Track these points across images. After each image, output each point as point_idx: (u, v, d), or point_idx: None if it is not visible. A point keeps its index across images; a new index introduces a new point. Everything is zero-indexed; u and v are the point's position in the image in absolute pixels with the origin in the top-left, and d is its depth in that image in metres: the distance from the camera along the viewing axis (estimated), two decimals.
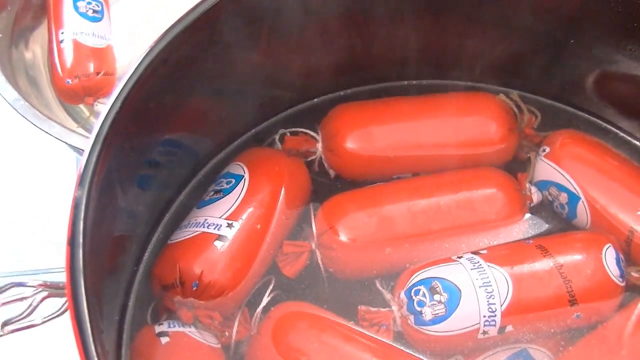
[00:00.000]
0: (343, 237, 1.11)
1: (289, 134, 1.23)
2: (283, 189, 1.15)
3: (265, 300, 1.08)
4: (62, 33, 1.41)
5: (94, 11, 1.46)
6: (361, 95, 1.27)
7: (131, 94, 0.93)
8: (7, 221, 1.48)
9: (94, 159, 0.88)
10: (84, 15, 1.44)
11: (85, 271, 0.83)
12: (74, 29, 1.41)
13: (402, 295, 1.06)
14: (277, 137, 1.23)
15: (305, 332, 1.03)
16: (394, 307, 1.06)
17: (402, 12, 1.14)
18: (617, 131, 1.25)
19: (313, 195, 1.19)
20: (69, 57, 1.38)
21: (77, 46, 1.40)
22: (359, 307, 1.06)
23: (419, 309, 1.03)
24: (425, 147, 1.20)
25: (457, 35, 1.20)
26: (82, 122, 1.39)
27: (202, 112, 1.14)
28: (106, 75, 1.39)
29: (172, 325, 1.05)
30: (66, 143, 1.24)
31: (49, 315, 0.95)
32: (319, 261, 1.12)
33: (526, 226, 1.16)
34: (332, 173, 1.23)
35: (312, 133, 1.23)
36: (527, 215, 1.17)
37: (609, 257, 1.08)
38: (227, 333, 1.06)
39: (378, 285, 1.09)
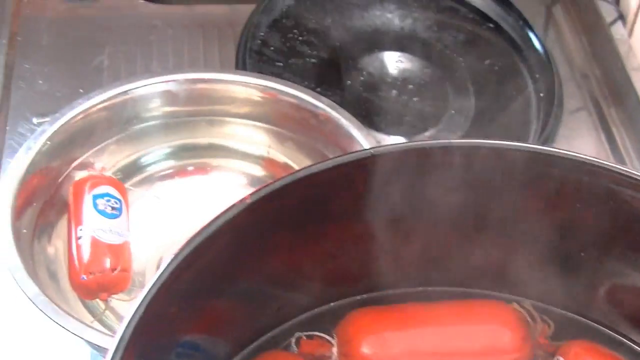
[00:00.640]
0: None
1: (304, 337, 1.23)
2: None
3: None
4: (81, 230, 1.43)
5: (113, 208, 1.49)
6: (377, 300, 1.28)
7: (155, 299, 0.95)
8: None
9: None
10: (102, 212, 1.47)
11: None
12: (92, 225, 1.44)
13: None
14: (293, 340, 1.23)
15: None
16: None
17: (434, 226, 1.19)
18: (631, 344, 1.25)
19: None
20: (86, 253, 1.40)
21: (95, 243, 1.42)
22: None
23: None
24: (439, 355, 1.20)
25: (479, 246, 1.23)
26: (97, 315, 1.39)
27: (222, 314, 1.15)
28: (122, 272, 1.41)
29: None
30: (82, 338, 1.24)
31: None
32: None
33: None
34: None
35: (327, 337, 1.23)
36: None
37: None
38: None
39: None
